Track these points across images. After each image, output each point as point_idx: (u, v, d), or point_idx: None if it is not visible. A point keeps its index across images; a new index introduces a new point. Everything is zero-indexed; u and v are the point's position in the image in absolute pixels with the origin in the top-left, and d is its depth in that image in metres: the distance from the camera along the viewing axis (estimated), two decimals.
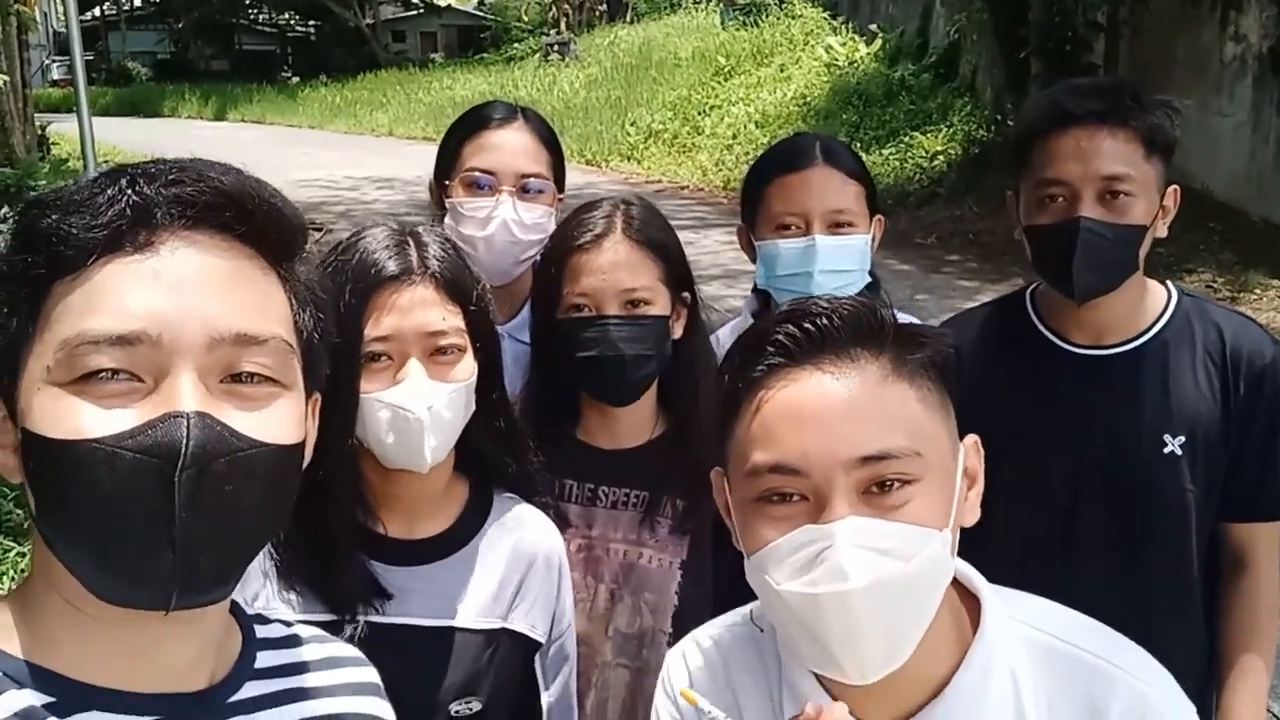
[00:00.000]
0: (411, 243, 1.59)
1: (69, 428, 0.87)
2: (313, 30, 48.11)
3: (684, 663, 1.36)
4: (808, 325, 1.14)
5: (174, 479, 0.85)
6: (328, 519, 1.53)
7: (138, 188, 0.91)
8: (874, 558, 1.07)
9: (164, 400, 0.88)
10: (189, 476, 0.86)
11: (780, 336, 1.15)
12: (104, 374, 0.88)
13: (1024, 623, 1.22)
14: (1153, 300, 2.04)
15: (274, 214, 0.97)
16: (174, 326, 0.89)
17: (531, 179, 2.29)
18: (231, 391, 0.91)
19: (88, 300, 0.89)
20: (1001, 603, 1.23)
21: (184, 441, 0.86)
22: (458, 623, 1.61)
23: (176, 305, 0.89)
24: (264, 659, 1.08)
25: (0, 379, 0.93)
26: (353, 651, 1.20)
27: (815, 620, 1.10)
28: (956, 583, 1.22)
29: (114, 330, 0.88)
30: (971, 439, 1.22)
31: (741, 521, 1.18)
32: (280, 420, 0.94)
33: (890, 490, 1.10)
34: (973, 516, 1.20)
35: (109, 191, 0.91)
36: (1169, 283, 2.09)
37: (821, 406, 1.11)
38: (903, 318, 2.18)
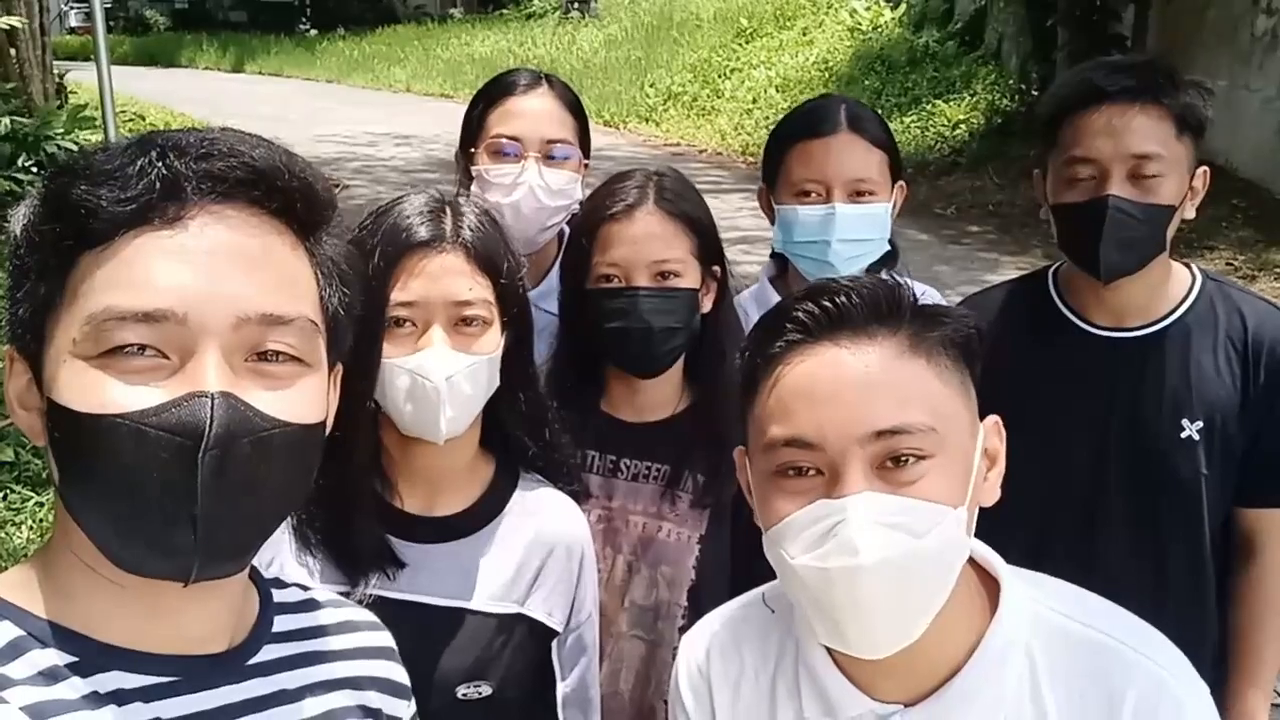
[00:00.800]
0: (448, 211, 1.58)
1: (94, 402, 0.87)
2: None
3: (698, 646, 1.37)
4: (826, 302, 1.16)
5: (197, 458, 0.86)
6: (343, 482, 1.53)
7: (168, 161, 0.91)
8: (886, 533, 1.08)
9: (189, 378, 0.88)
10: (213, 456, 0.86)
11: (799, 314, 1.17)
12: (130, 349, 0.88)
13: (1042, 604, 1.23)
14: (1176, 283, 2.03)
15: (304, 189, 0.97)
16: (200, 305, 0.89)
17: (557, 145, 2.30)
18: (256, 370, 0.92)
19: (115, 274, 0.89)
20: (1020, 585, 1.24)
21: (208, 421, 0.86)
22: (471, 604, 1.60)
23: (204, 284, 0.89)
24: (281, 623, 1.09)
25: (27, 344, 0.93)
26: (369, 616, 1.22)
27: (826, 594, 1.11)
28: (975, 564, 1.22)
29: (141, 306, 0.88)
30: (992, 419, 1.23)
31: (759, 496, 1.19)
32: (304, 399, 0.95)
33: (904, 466, 1.11)
34: (992, 497, 1.21)
35: (139, 163, 0.90)
36: (1193, 265, 2.08)
37: (837, 381, 1.13)
38: (920, 291, 2.18)
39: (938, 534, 1.11)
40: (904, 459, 1.11)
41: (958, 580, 1.16)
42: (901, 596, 1.11)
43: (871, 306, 1.16)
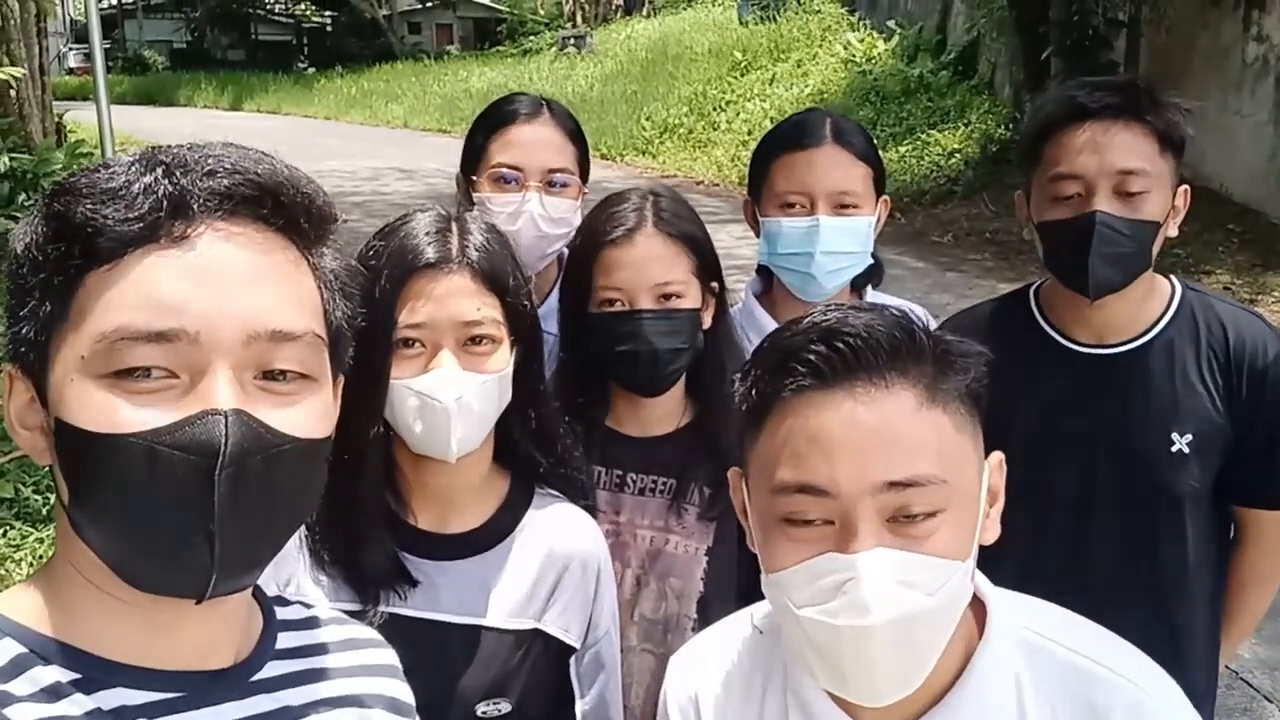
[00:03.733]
0: (454, 229, 1.57)
1: (105, 421, 0.87)
2: (329, 21, 48.26)
3: (686, 669, 1.36)
4: (840, 345, 1.10)
5: (213, 476, 0.86)
6: (354, 501, 1.52)
7: (174, 178, 0.90)
8: (897, 591, 1.06)
9: (201, 397, 0.88)
10: (228, 474, 0.86)
11: (812, 356, 1.11)
12: (139, 369, 0.88)
13: (1028, 629, 1.22)
14: (1156, 297, 2.04)
15: (307, 204, 0.97)
16: (211, 323, 0.89)
17: (558, 173, 2.31)
18: (265, 388, 0.92)
19: (125, 293, 0.89)
20: (1006, 608, 1.23)
21: (223, 439, 0.86)
22: (488, 621, 1.59)
23: (214, 302, 0.89)
24: (285, 640, 1.09)
25: (30, 363, 0.93)
26: (371, 634, 1.21)
27: (832, 648, 1.09)
28: None
29: (152, 326, 0.88)
30: (996, 457, 1.21)
31: (762, 537, 1.16)
32: (312, 414, 0.95)
33: (916, 521, 1.08)
34: (992, 534, 1.19)
35: (144, 180, 0.90)
36: (1172, 277, 2.08)
37: (852, 433, 1.09)
38: (891, 301, 2.19)
39: (947, 590, 1.09)
40: (916, 515, 1.08)
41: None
42: (908, 651, 1.09)
43: (889, 351, 1.10)
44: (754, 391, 1.16)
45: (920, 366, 1.12)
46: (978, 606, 1.22)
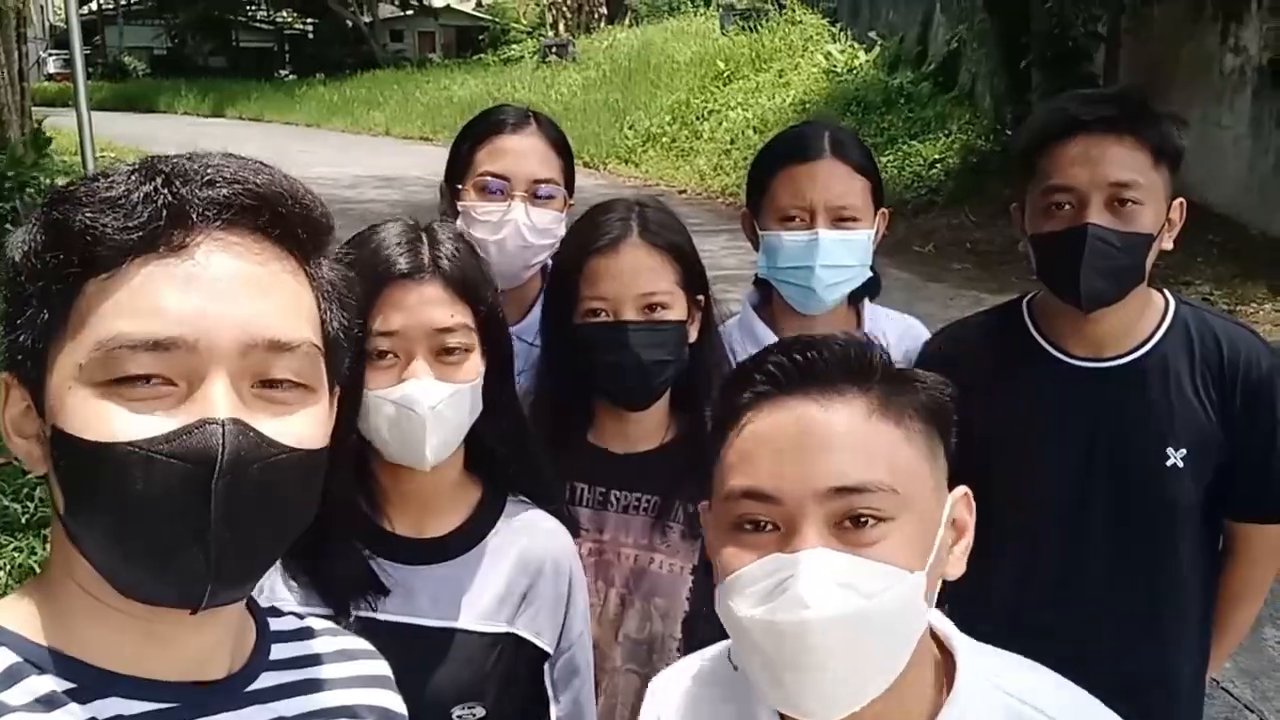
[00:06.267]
0: (425, 239, 1.58)
1: (103, 430, 0.87)
2: (310, 28, 48.10)
3: (661, 698, 1.35)
4: (797, 356, 1.14)
5: (210, 485, 0.86)
6: (325, 511, 1.52)
7: (173, 188, 0.91)
8: (838, 591, 1.06)
9: (198, 406, 0.88)
10: (225, 483, 0.86)
11: (770, 366, 1.15)
12: (137, 378, 0.88)
13: (1002, 689, 1.18)
14: (1151, 311, 2.04)
15: (305, 214, 0.97)
16: (209, 332, 0.89)
17: (543, 184, 2.31)
18: (263, 397, 0.92)
19: (124, 301, 0.89)
20: (976, 660, 1.20)
21: (220, 448, 0.86)
22: (461, 624, 1.60)
23: (212, 310, 0.90)
24: (279, 651, 1.09)
25: (27, 371, 0.93)
26: (364, 645, 1.21)
27: (775, 650, 1.08)
28: (935, 639, 1.19)
29: (151, 335, 0.88)
30: (962, 490, 1.20)
31: (714, 549, 1.17)
32: (309, 424, 0.95)
33: (864, 527, 1.08)
34: (957, 570, 1.18)
35: (144, 189, 0.90)
36: (1166, 291, 2.09)
37: (801, 435, 1.11)
38: (904, 325, 2.19)
39: (892, 597, 1.07)
40: (863, 519, 1.08)
41: (915, 651, 1.12)
42: (851, 658, 1.07)
43: (842, 363, 1.14)
44: (717, 404, 1.20)
45: (870, 379, 1.14)
46: (950, 658, 1.20)
